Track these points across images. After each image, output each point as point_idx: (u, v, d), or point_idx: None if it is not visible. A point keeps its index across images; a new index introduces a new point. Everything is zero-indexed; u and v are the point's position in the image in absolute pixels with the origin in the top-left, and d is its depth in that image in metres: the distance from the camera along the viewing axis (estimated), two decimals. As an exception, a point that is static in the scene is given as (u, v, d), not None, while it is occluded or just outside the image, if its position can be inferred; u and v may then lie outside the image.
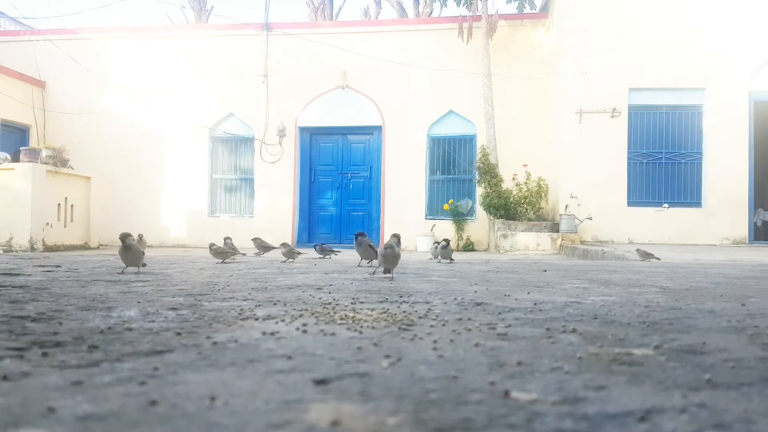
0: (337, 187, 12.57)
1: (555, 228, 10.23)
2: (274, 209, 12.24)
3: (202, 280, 3.22)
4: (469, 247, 11.32)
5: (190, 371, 1.15)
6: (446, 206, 11.71)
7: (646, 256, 6.08)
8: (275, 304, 2.21)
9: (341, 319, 1.83)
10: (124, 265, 3.77)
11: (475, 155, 11.52)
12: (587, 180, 10.33)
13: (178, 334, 1.56)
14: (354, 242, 4.47)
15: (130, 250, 3.58)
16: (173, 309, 2.04)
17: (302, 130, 12.46)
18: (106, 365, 1.20)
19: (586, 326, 1.74)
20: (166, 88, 12.48)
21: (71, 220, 10.16)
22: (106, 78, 12.51)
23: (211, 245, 5.40)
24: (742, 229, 10.27)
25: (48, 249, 9.34)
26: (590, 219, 10.02)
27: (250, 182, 12.56)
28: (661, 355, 1.34)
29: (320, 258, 6.18)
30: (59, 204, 9.90)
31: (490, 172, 10.87)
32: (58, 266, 4.28)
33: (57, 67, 12.59)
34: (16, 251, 8.99)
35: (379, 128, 12.23)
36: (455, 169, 12.14)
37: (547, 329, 1.68)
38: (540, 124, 11.62)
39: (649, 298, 2.51)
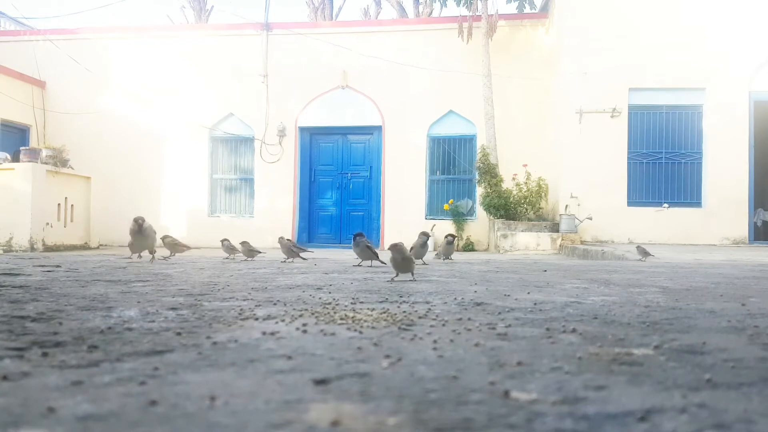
0: (337, 187, 12.57)
1: (555, 228, 10.23)
2: (274, 209, 12.25)
3: (202, 280, 3.22)
4: (469, 247, 11.32)
5: (190, 371, 1.15)
6: (446, 206, 11.71)
7: (645, 254, 6.08)
8: (275, 304, 2.21)
9: (341, 319, 1.83)
10: (130, 255, 3.54)
11: (475, 155, 11.52)
12: (587, 180, 10.33)
13: (178, 334, 1.56)
14: (352, 242, 4.46)
15: (142, 233, 3.43)
16: (173, 309, 2.04)
17: (302, 130, 12.46)
18: (106, 365, 1.20)
19: (586, 326, 1.74)
20: (166, 88, 12.48)
21: (71, 220, 10.17)
22: (106, 78, 12.51)
23: (243, 243, 5.84)
24: (742, 229, 10.27)
25: (48, 249, 9.34)
26: (590, 219, 10.02)
27: (250, 182, 12.56)
28: (661, 355, 1.34)
29: (285, 260, 5.43)
30: (59, 204, 9.90)
31: (490, 172, 10.87)
32: (58, 266, 4.28)
33: (57, 67, 12.59)
34: (16, 251, 8.99)
35: (379, 128, 12.23)
36: (455, 169, 12.14)
37: (547, 329, 1.68)
38: (540, 124, 11.63)
39: (649, 298, 2.51)
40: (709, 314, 2.02)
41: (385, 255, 4.01)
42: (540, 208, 11.11)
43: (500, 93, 11.21)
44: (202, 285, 2.95)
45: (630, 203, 10.44)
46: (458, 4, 11.75)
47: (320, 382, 1.07)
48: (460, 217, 11.63)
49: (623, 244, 9.51)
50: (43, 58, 12.52)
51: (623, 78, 10.40)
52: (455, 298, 2.42)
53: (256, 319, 1.83)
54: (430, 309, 2.09)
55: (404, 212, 11.87)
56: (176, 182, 12.52)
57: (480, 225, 11.58)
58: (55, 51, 12.39)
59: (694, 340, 1.52)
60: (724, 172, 10.26)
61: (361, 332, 1.59)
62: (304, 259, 5.64)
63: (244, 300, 2.32)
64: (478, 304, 2.23)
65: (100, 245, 10.88)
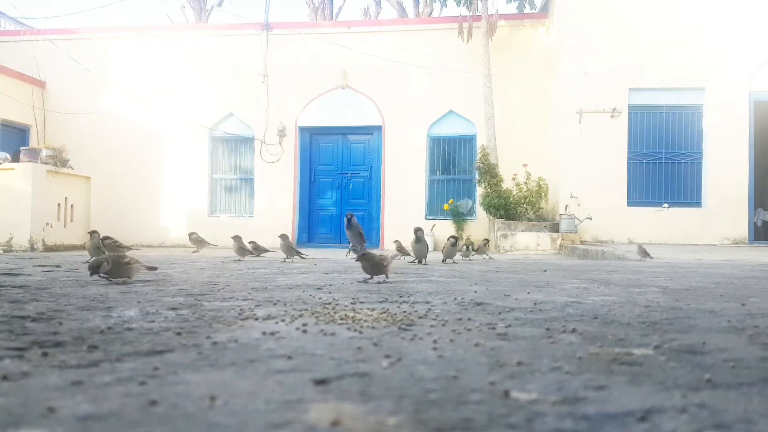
0: (337, 187, 12.57)
1: (555, 228, 10.23)
2: (274, 209, 12.24)
3: (202, 280, 3.22)
4: (471, 246, 11.30)
5: (190, 371, 1.15)
6: (446, 206, 11.71)
7: (644, 254, 6.07)
8: (275, 304, 2.21)
9: (341, 319, 1.83)
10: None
11: (475, 155, 11.52)
12: (587, 180, 10.33)
13: (178, 334, 1.56)
14: (346, 225, 4.23)
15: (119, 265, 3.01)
16: (173, 309, 2.04)
17: (302, 130, 12.46)
18: (106, 365, 1.20)
19: (586, 326, 1.74)
20: (166, 88, 12.48)
21: (71, 220, 10.17)
22: (106, 78, 12.51)
23: (251, 242, 6.16)
24: (742, 229, 10.27)
25: (48, 249, 9.35)
26: (590, 219, 10.02)
27: (250, 182, 12.56)
28: (661, 355, 1.34)
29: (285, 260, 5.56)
30: (59, 204, 9.91)
31: (490, 172, 10.87)
32: (58, 266, 4.28)
33: (57, 67, 12.59)
34: (16, 251, 9.00)
35: (379, 128, 12.23)
36: (455, 169, 12.14)
37: (547, 329, 1.68)
38: (540, 124, 11.63)
39: (649, 298, 2.51)
40: (709, 314, 2.02)
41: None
42: (540, 208, 11.11)
43: (500, 93, 11.21)
44: (202, 285, 2.94)
45: (630, 203, 10.44)
46: (458, 4, 11.75)
47: (320, 382, 1.07)
48: (460, 217, 11.63)
49: (623, 244, 9.51)
50: (43, 58, 12.52)
51: (623, 78, 10.40)
52: (455, 298, 2.42)
53: (256, 319, 1.83)
54: (430, 309, 2.08)
55: (404, 212, 11.87)
56: (176, 182, 12.52)
57: (480, 225, 11.57)
58: (55, 51, 12.39)
59: (694, 340, 1.52)
60: (724, 172, 10.26)
61: (361, 332, 1.59)
62: (303, 258, 5.66)
63: (244, 300, 2.32)
64: (478, 304, 2.23)
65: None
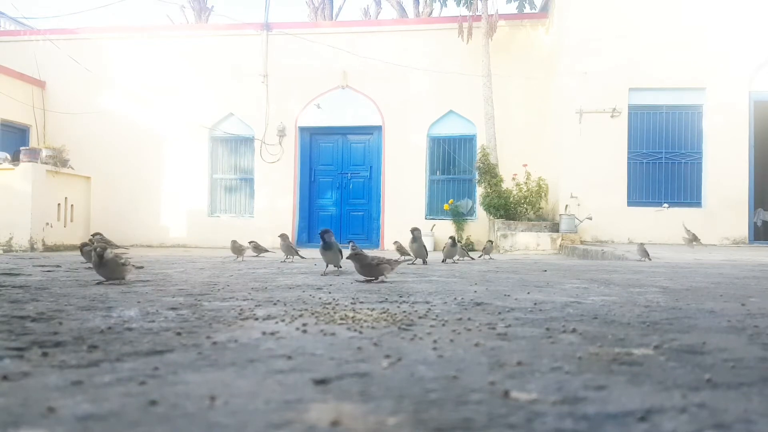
0: (337, 187, 12.57)
1: (555, 228, 10.23)
2: (274, 209, 12.24)
3: (202, 280, 3.22)
4: (469, 247, 11.32)
5: (190, 371, 1.15)
6: (446, 206, 11.71)
7: (644, 254, 6.07)
8: (275, 304, 2.21)
9: (341, 319, 1.83)
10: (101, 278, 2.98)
11: (475, 155, 11.52)
12: (587, 180, 10.32)
13: (178, 334, 1.56)
14: (323, 246, 3.69)
15: (106, 265, 2.88)
16: (173, 309, 2.04)
17: (302, 130, 12.46)
18: (106, 365, 1.20)
19: (586, 326, 1.74)
20: (166, 88, 12.48)
21: (71, 220, 10.17)
22: (106, 78, 12.51)
23: (252, 242, 6.41)
24: (742, 229, 10.27)
25: (48, 249, 9.34)
26: (590, 219, 10.02)
27: (250, 182, 12.56)
28: (661, 355, 1.34)
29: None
30: (59, 204, 9.91)
31: (490, 172, 10.87)
32: (58, 266, 4.28)
33: (57, 67, 12.59)
34: (16, 251, 8.99)
35: (379, 128, 12.23)
36: (455, 169, 12.14)
37: (547, 329, 1.68)
38: (540, 124, 11.63)
39: (649, 298, 2.51)
40: (709, 314, 2.02)
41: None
42: (540, 208, 11.11)
43: (500, 93, 11.21)
44: (202, 285, 2.95)
45: (630, 203, 10.44)
46: (458, 4, 11.75)
47: (320, 382, 1.07)
48: (460, 217, 11.63)
49: (623, 244, 9.51)
50: (43, 58, 12.51)
51: (623, 78, 10.40)
52: (455, 298, 2.42)
53: (256, 319, 1.83)
54: (430, 309, 2.09)
55: (404, 212, 11.87)
56: (176, 182, 12.52)
57: (480, 225, 11.57)
58: (55, 51, 12.38)
59: (694, 340, 1.52)
60: (724, 172, 10.26)
61: (361, 332, 1.59)
62: (302, 258, 5.69)
63: (244, 300, 2.32)
64: (478, 304, 2.23)
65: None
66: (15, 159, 9.96)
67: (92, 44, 12.72)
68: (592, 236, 10.16)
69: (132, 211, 12.26)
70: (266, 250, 6.49)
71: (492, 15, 11.29)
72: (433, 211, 12.03)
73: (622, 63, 10.34)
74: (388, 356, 1.29)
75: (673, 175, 10.54)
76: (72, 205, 10.23)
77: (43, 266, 4.27)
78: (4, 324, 1.70)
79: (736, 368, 1.22)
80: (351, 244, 3.73)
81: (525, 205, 10.84)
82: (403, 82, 11.93)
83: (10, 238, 9.24)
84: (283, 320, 1.80)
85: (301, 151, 12.46)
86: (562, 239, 9.73)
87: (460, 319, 1.86)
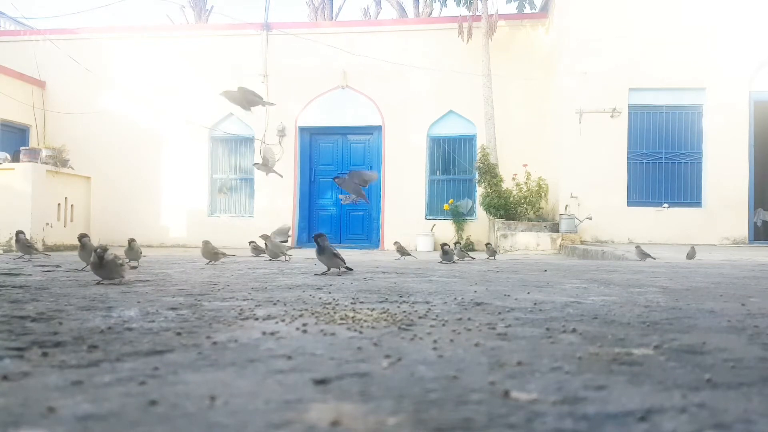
0: (337, 187, 12.53)
1: (555, 228, 10.23)
2: (274, 209, 12.24)
3: (202, 280, 3.22)
4: (469, 247, 11.32)
5: (190, 371, 1.15)
6: (446, 206, 11.71)
7: (643, 255, 6.08)
8: (275, 304, 2.21)
9: (341, 319, 1.83)
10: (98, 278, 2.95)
11: (475, 155, 11.53)
12: (587, 180, 10.32)
13: (178, 334, 1.56)
14: (317, 251, 3.66)
15: (106, 267, 2.84)
16: (173, 309, 2.04)
17: (302, 130, 12.46)
18: (106, 365, 1.20)
19: (586, 326, 1.74)
20: (166, 88, 12.48)
21: (71, 220, 10.17)
22: (106, 78, 12.51)
23: (252, 242, 6.39)
24: (742, 229, 10.27)
25: (48, 249, 9.34)
26: (590, 219, 10.02)
27: (250, 182, 12.56)
28: (661, 355, 1.34)
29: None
30: (59, 204, 9.91)
31: (490, 172, 10.87)
32: (58, 266, 4.28)
33: (57, 67, 12.59)
34: (16, 251, 8.98)
35: (379, 128, 12.23)
36: (455, 169, 12.14)
37: (547, 329, 1.68)
38: (540, 124, 11.63)
39: (649, 298, 2.51)
40: (709, 314, 2.02)
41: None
42: (540, 208, 11.11)
43: (500, 93, 11.21)
44: (202, 285, 2.94)
45: (630, 203, 10.44)
46: (458, 4, 11.75)
47: (320, 382, 1.07)
48: (460, 217, 11.63)
49: (623, 244, 9.51)
50: (43, 58, 12.51)
51: (623, 78, 10.40)
52: (455, 298, 2.42)
53: (256, 319, 1.83)
54: (430, 309, 2.09)
55: (404, 212, 11.87)
56: (176, 182, 12.52)
57: (480, 225, 11.58)
58: (55, 51, 12.38)
59: (694, 340, 1.52)
60: (724, 172, 10.26)
61: (361, 332, 1.59)
62: (290, 255, 5.76)
63: (244, 300, 2.32)
64: (478, 304, 2.23)
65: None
66: (15, 159, 9.96)
67: (92, 44, 12.72)
68: (592, 236, 10.16)
69: (132, 211, 12.26)
70: (264, 251, 6.38)
71: (492, 15, 11.29)
72: (433, 211, 12.04)
73: (622, 63, 10.34)
74: (388, 356, 1.29)
75: (673, 175, 10.54)
76: (72, 205, 10.23)
77: (43, 266, 4.27)
78: (4, 324, 1.70)
79: (736, 368, 1.22)
80: (316, 236, 3.68)
81: (525, 205, 10.84)
82: (403, 82, 11.93)
83: (11, 238, 9.23)
84: (283, 320, 1.80)
85: (301, 151, 12.47)
86: (562, 239, 9.73)
87: (460, 319, 1.86)
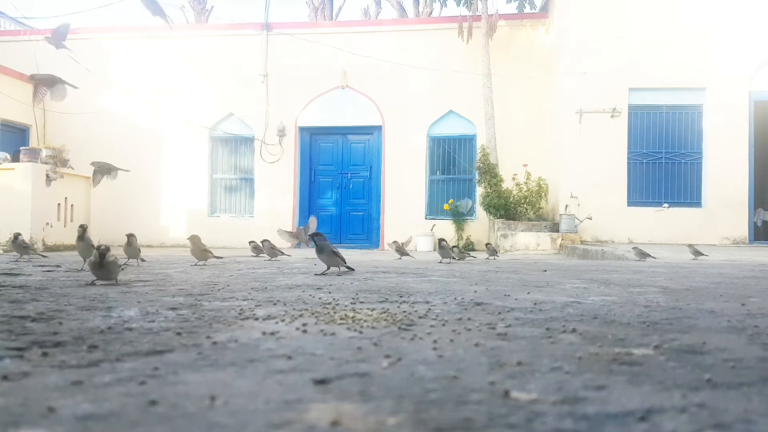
0: (337, 187, 12.57)
1: (555, 228, 10.23)
2: (274, 209, 12.24)
3: (202, 280, 3.22)
4: (469, 247, 11.32)
5: (190, 371, 1.15)
6: (446, 206, 11.71)
7: (642, 255, 6.08)
8: (275, 304, 2.21)
9: (341, 319, 1.83)
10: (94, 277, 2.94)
11: (475, 155, 11.53)
12: (587, 180, 10.32)
13: (178, 334, 1.56)
14: (315, 247, 3.66)
15: (106, 267, 2.84)
16: (173, 309, 2.04)
17: (302, 130, 12.46)
18: (106, 365, 1.20)
19: (586, 326, 1.74)
20: (166, 88, 12.47)
21: (71, 220, 10.16)
22: (106, 78, 12.50)
23: (251, 242, 6.57)
24: (742, 229, 10.26)
25: (48, 249, 9.34)
26: (590, 219, 10.02)
27: (250, 182, 12.56)
28: (661, 355, 1.34)
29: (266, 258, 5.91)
30: (59, 204, 9.90)
31: (490, 172, 10.87)
32: (58, 266, 4.28)
33: (57, 67, 12.43)
34: (13, 251, 8.98)
35: (379, 128, 12.23)
36: (455, 169, 12.14)
37: (547, 329, 1.68)
38: (540, 124, 11.63)
39: (649, 298, 2.51)
40: (709, 314, 2.02)
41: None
42: (540, 208, 11.11)
43: (500, 93, 11.21)
44: (202, 285, 2.94)
45: (630, 203, 10.44)
46: (458, 4, 11.75)
47: (320, 382, 1.07)
48: (460, 217, 11.63)
49: (623, 244, 9.51)
50: (43, 58, 12.49)
51: (623, 78, 10.40)
52: (455, 298, 2.42)
53: (256, 319, 1.83)
54: (430, 309, 2.09)
55: (404, 212, 11.87)
56: (176, 182, 12.52)
57: (480, 225, 11.58)
58: (55, 51, 12.31)
59: (694, 340, 1.52)
60: (724, 172, 10.26)
61: (361, 332, 1.59)
62: (283, 256, 5.83)
63: (244, 300, 2.32)
64: (478, 304, 2.23)
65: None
66: (15, 159, 9.96)
67: (92, 44, 12.71)
68: (592, 236, 10.16)
69: (132, 211, 12.25)
70: (262, 251, 6.47)
71: (492, 15, 11.29)
72: (433, 211, 12.03)
73: (622, 63, 10.34)
74: (388, 356, 1.29)
75: (673, 175, 10.54)
76: (72, 205, 10.23)
77: (43, 266, 4.27)
78: (4, 324, 1.70)
79: (736, 368, 1.22)
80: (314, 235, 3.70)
81: (525, 205, 10.84)
82: (403, 82, 11.93)
83: (10, 239, 9.23)
84: (283, 320, 1.80)
85: (301, 151, 12.47)
86: (562, 239, 9.73)
87: (460, 319, 1.86)
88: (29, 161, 9.57)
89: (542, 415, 0.89)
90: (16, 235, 5.26)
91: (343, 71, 12.10)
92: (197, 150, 12.53)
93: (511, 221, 10.42)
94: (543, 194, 10.98)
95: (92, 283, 2.92)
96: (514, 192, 10.82)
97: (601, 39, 10.39)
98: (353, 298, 2.39)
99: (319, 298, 2.38)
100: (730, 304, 2.28)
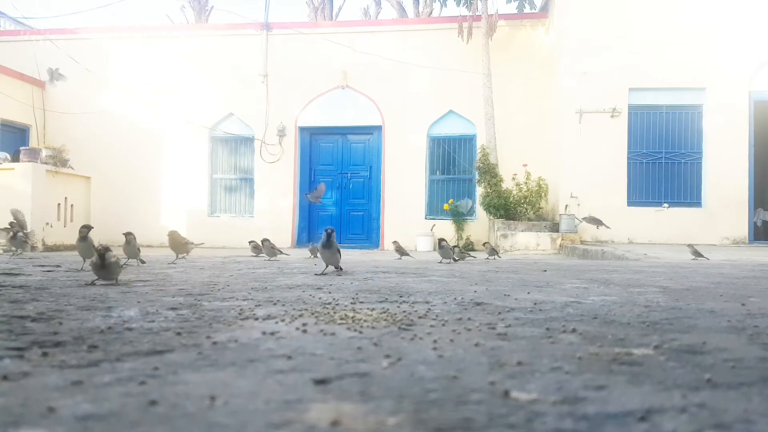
0: (337, 187, 12.57)
1: (555, 228, 10.23)
2: (274, 209, 12.25)
3: (202, 280, 3.22)
4: (469, 247, 11.32)
5: (190, 371, 1.15)
6: (446, 206, 11.71)
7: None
8: (275, 304, 2.21)
9: (341, 319, 1.83)
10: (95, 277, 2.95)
11: (475, 155, 11.53)
12: (587, 180, 10.32)
13: (178, 334, 1.56)
14: (323, 243, 3.61)
15: (107, 268, 2.83)
16: (173, 309, 2.04)
17: (302, 130, 12.46)
18: (106, 365, 1.20)
19: (586, 326, 1.74)
20: (166, 88, 12.48)
21: (71, 220, 10.16)
22: (106, 78, 12.51)
23: (251, 241, 6.60)
24: (742, 229, 10.26)
25: (48, 249, 9.34)
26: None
27: (250, 182, 12.56)
28: (661, 355, 1.34)
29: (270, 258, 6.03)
30: (59, 204, 9.90)
31: (490, 172, 10.87)
32: (58, 266, 4.28)
33: (57, 67, 12.58)
34: (9, 246, 8.99)
35: (379, 128, 12.23)
36: (455, 169, 12.14)
37: (547, 329, 1.68)
38: (540, 124, 11.63)
39: (649, 298, 2.51)
40: (709, 314, 2.02)
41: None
42: (540, 208, 11.11)
43: (500, 93, 11.21)
44: (202, 285, 2.94)
45: (630, 203, 10.44)
46: (458, 4, 11.75)
47: (320, 382, 1.07)
48: (460, 217, 11.63)
49: (623, 244, 9.51)
50: (43, 58, 12.51)
51: (623, 78, 10.40)
52: (455, 298, 2.42)
53: (256, 319, 1.83)
54: (430, 309, 2.09)
55: (404, 212, 11.88)
56: (176, 182, 12.52)
57: (480, 225, 11.58)
58: (55, 51, 12.38)
59: (694, 340, 1.52)
60: (724, 172, 10.26)
61: (361, 332, 1.59)
62: (287, 255, 5.87)
63: (244, 300, 2.32)
64: (478, 304, 2.23)
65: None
66: (15, 159, 9.96)
67: (92, 44, 12.72)
68: (592, 236, 10.16)
69: (132, 211, 12.25)
70: (261, 251, 6.51)
71: (492, 15, 11.29)
72: (433, 211, 12.04)
73: (622, 63, 10.34)
74: (388, 356, 1.29)
75: (673, 175, 10.54)
76: (72, 205, 10.23)
77: (43, 266, 4.27)
78: (4, 324, 1.70)
79: (736, 368, 1.22)
80: (329, 229, 3.66)
81: (525, 205, 10.84)
82: (403, 81, 11.93)
83: (9, 235, 9.23)
84: (283, 320, 1.80)
85: (301, 151, 12.47)
86: (562, 239, 9.73)
87: (460, 319, 1.86)
88: (29, 161, 9.57)
89: (542, 415, 0.89)
90: (15, 233, 5.21)
91: (343, 71, 12.10)
92: (197, 150, 12.53)
93: (511, 221, 10.42)
94: (543, 194, 10.98)
95: (92, 283, 2.92)
96: (514, 192, 10.82)
97: (601, 39, 10.39)
98: (353, 298, 2.39)
99: (319, 298, 2.38)
100: (730, 304, 2.28)
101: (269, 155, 12.33)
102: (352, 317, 1.85)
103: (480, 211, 11.43)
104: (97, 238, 10.85)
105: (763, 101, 10.49)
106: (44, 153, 9.99)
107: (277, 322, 1.76)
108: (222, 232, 12.09)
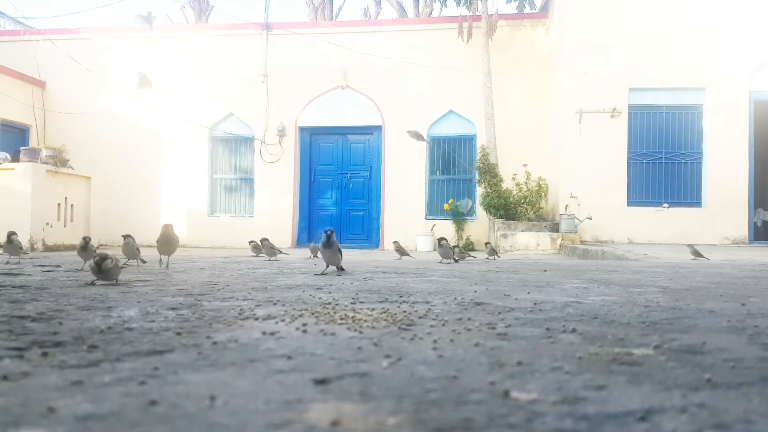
0: (337, 187, 12.57)
1: (555, 228, 10.23)
2: (274, 209, 12.25)
3: (202, 280, 3.22)
4: (469, 247, 11.32)
5: (190, 371, 1.15)
6: (446, 206, 11.71)
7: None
8: (275, 304, 2.21)
9: (341, 319, 1.83)
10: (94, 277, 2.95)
11: (475, 155, 11.52)
12: (587, 180, 10.32)
13: (178, 334, 1.56)
14: (324, 244, 3.60)
15: (105, 273, 2.84)
16: (173, 309, 2.04)
17: (302, 130, 12.46)
18: (106, 365, 1.20)
19: (586, 326, 1.74)
20: (166, 88, 12.46)
21: (71, 220, 10.16)
22: (106, 78, 12.51)
23: (252, 241, 6.65)
24: (742, 229, 10.27)
25: (48, 249, 9.34)
26: (590, 219, 10.02)
27: (250, 182, 12.56)
28: (661, 355, 1.34)
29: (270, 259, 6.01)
30: (59, 204, 9.90)
31: (490, 172, 10.87)
32: (58, 266, 4.28)
33: (57, 67, 12.58)
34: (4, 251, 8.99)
35: (379, 128, 12.23)
36: (455, 169, 12.14)
37: (547, 329, 1.68)
38: (540, 124, 11.62)
39: (649, 298, 2.51)
40: (709, 314, 2.01)
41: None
42: (540, 208, 11.11)
43: (500, 93, 11.21)
44: (202, 285, 2.94)
45: (630, 203, 10.44)
46: (458, 4, 11.75)
47: (320, 382, 1.07)
48: (460, 217, 11.63)
49: (623, 244, 9.51)
50: (43, 58, 12.51)
51: (623, 78, 10.40)
52: (455, 298, 2.42)
53: (256, 319, 1.83)
54: (430, 309, 2.08)
55: (404, 212, 11.88)
56: (176, 182, 12.52)
57: (480, 225, 11.58)
58: (55, 51, 12.38)
59: (694, 340, 1.52)
60: (724, 172, 10.26)
61: (361, 332, 1.59)
62: (287, 254, 5.86)
63: (244, 300, 2.32)
64: (478, 304, 2.23)
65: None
66: (15, 159, 9.96)
67: (92, 44, 12.72)
68: (592, 236, 10.16)
69: (132, 211, 12.25)
70: (280, 251, 6.51)
71: (492, 15, 11.29)
72: (433, 211, 12.03)
73: (622, 63, 10.34)
74: (388, 356, 1.29)
75: (673, 175, 10.54)
76: (72, 205, 10.22)
77: (43, 266, 4.27)
78: (4, 324, 1.70)
79: (736, 368, 1.22)
80: (329, 231, 3.64)
81: (525, 205, 10.84)
82: (403, 81, 11.93)
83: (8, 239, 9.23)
84: (283, 320, 1.80)
85: (301, 151, 12.46)
86: (562, 239, 9.73)
87: (460, 319, 1.86)
88: (29, 161, 9.57)
89: (542, 415, 0.89)
90: (9, 235, 5.07)
91: (343, 71, 12.10)
92: (197, 150, 12.53)
93: (511, 221, 10.42)
94: (543, 194, 10.98)
95: (92, 283, 2.92)
96: (514, 192, 10.82)
97: (601, 39, 10.39)
98: (353, 298, 2.39)
99: (319, 298, 2.38)
100: (730, 304, 2.28)
101: (269, 155, 12.33)
102: (352, 317, 1.85)
103: (480, 211, 11.43)
104: (97, 238, 10.79)
105: (763, 101, 10.49)
106: (44, 153, 9.99)
107: (277, 322, 1.76)
108: (222, 232, 12.09)
